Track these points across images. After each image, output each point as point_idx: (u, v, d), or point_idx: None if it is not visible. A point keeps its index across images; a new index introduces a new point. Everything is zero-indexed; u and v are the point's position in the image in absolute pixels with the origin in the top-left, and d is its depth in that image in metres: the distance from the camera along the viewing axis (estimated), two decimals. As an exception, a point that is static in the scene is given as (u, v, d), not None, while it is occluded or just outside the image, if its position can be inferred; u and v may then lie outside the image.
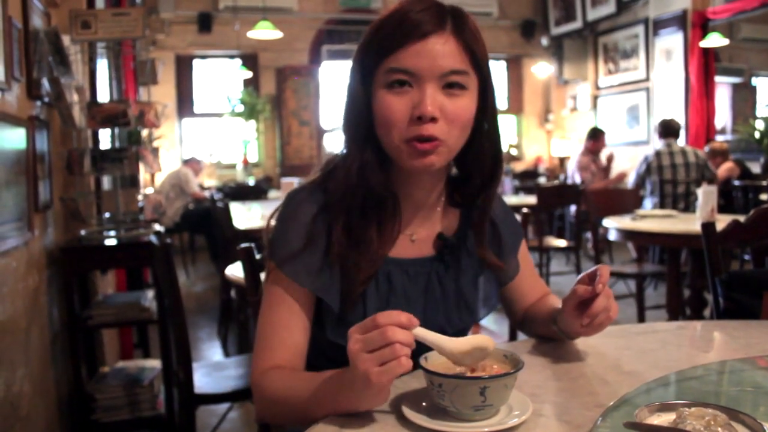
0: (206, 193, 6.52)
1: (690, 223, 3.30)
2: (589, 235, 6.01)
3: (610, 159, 6.46)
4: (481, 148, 1.03)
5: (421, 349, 0.84)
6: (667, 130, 4.98)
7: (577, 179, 6.36)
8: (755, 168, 6.21)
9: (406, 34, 0.93)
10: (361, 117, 0.98)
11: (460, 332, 1.11)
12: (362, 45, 0.99)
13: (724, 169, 5.88)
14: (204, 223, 6.09)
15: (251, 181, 7.85)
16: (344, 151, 1.02)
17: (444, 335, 0.84)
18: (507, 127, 9.69)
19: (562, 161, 9.33)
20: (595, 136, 6.39)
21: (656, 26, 7.55)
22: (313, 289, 0.99)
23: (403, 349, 0.75)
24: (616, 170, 6.67)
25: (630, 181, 5.17)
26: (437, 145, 0.95)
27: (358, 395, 0.79)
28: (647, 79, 7.84)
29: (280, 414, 0.94)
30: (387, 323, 0.76)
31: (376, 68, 0.96)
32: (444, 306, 1.07)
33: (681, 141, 5.47)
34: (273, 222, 1.05)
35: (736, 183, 5.59)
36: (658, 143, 5.12)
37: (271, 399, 0.93)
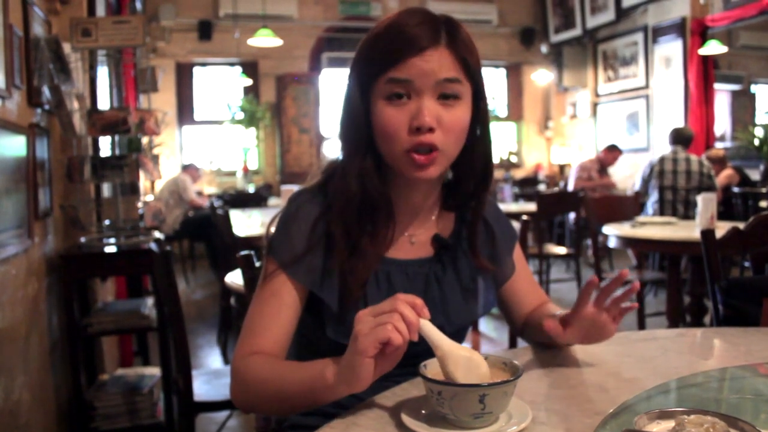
0: (201, 201, 6.52)
1: (690, 230, 3.30)
2: (589, 242, 6.01)
3: (608, 184, 6.66)
4: (473, 154, 1.07)
5: (419, 355, 0.84)
6: (677, 137, 4.97)
7: (572, 179, 6.59)
8: (755, 175, 6.21)
9: (403, 49, 0.96)
10: (360, 127, 1.01)
11: (460, 331, 1.13)
12: (360, 57, 1.02)
13: (724, 176, 5.89)
14: (204, 230, 6.09)
15: (251, 189, 7.85)
16: (342, 158, 1.05)
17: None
18: (507, 135, 9.71)
19: (562, 168, 9.34)
20: (611, 150, 6.69)
21: (655, 34, 7.57)
22: (313, 288, 1.01)
23: (400, 322, 0.78)
24: (613, 179, 6.86)
25: (636, 185, 5.17)
26: (435, 157, 0.99)
27: (342, 368, 0.82)
28: (647, 86, 7.86)
29: (256, 398, 0.95)
30: (402, 299, 0.80)
31: (374, 80, 0.99)
32: (443, 305, 1.08)
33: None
34: (274, 223, 1.07)
35: (736, 190, 5.59)
36: (658, 150, 5.12)
37: (251, 382, 0.94)
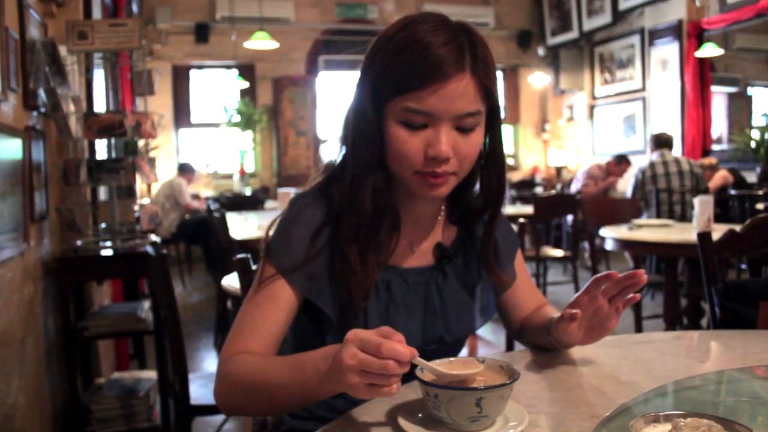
0: (198, 204, 6.51)
1: (686, 233, 3.30)
2: (586, 244, 6.02)
3: (610, 183, 6.67)
4: (487, 168, 1.05)
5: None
6: (659, 142, 5.06)
7: (578, 184, 6.60)
8: (751, 177, 6.23)
9: (427, 75, 0.91)
10: (374, 144, 0.97)
11: (458, 341, 1.11)
12: (376, 66, 0.97)
13: (719, 176, 5.91)
14: (200, 233, 6.09)
15: (248, 192, 7.85)
16: (352, 173, 1.00)
17: (441, 356, 0.85)
18: (504, 137, 9.71)
19: (559, 171, 9.35)
20: (620, 162, 6.68)
21: (652, 36, 7.59)
22: (311, 297, 0.99)
23: (397, 381, 0.75)
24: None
25: (627, 192, 5.20)
26: (449, 179, 0.97)
27: (340, 388, 0.79)
28: (643, 88, 7.88)
29: (241, 399, 0.92)
30: (389, 357, 0.72)
31: (391, 98, 0.95)
32: (442, 314, 1.07)
33: (676, 152, 5.52)
34: (274, 226, 1.04)
35: (733, 192, 5.60)
36: (655, 153, 5.15)
37: (235, 382, 0.91)
